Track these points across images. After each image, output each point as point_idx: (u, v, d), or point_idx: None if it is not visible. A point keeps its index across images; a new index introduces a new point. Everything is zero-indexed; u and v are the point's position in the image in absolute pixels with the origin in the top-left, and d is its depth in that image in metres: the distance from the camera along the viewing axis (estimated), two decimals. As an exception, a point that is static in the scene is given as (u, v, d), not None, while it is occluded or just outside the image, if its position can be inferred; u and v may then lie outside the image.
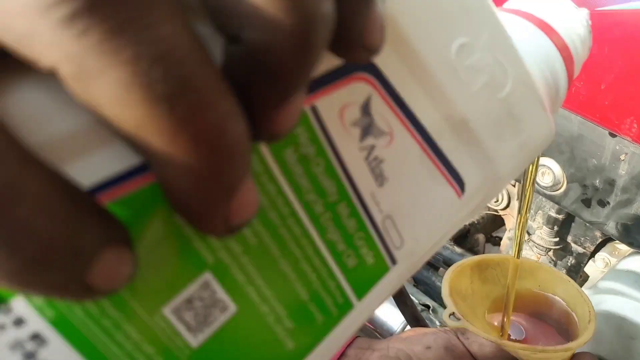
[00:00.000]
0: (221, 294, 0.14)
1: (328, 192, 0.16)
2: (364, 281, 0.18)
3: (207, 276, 0.13)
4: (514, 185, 0.68)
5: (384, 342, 0.46)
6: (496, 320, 0.43)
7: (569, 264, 0.62)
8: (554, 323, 0.42)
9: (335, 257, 0.17)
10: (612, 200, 0.48)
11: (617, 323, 0.49)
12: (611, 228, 0.49)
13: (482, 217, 0.76)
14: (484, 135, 0.19)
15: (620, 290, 0.50)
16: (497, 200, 0.70)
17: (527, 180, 0.35)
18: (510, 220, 0.69)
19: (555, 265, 0.63)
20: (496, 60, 0.19)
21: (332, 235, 0.16)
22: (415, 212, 0.18)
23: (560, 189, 0.52)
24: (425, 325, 0.59)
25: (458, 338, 0.44)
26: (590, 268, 0.57)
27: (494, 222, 0.76)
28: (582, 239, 0.59)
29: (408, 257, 0.19)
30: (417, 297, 0.72)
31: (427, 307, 0.72)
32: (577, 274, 0.61)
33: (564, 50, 0.23)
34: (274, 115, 0.11)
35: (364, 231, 0.17)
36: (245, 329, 0.14)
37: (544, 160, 0.52)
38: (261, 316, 0.15)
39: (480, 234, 0.75)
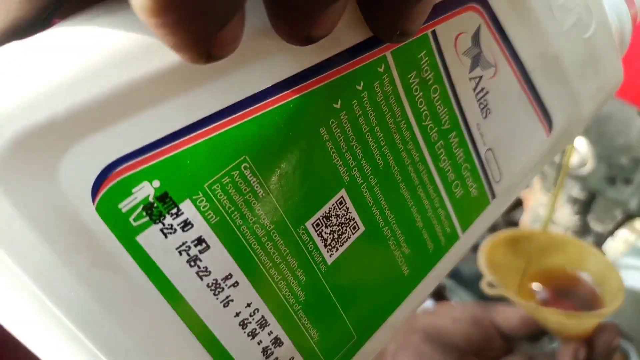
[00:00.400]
0: (353, 212, 0.15)
1: (442, 120, 0.17)
2: (469, 213, 0.18)
3: (343, 193, 0.14)
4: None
5: (412, 317, 0.47)
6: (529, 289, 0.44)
7: (589, 242, 0.63)
8: (579, 301, 0.44)
9: (446, 186, 0.17)
10: (637, 178, 0.49)
11: (636, 299, 0.51)
12: (634, 205, 0.50)
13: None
14: (571, 74, 0.20)
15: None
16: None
17: (562, 169, 0.37)
18: (530, 200, 0.71)
19: (575, 243, 0.64)
20: (583, 2, 0.20)
21: (444, 164, 0.17)
22: (511, 148, 0.19)
23: (586, 167, 0.53)
24: (446, 298, 0.61)
25: (484, 312, 0.46)
26: (609, 246, 0.58)
27: (513, 204, 0.77)
28: (602, 217, 0.60)
29: (504, 192, 0.19)
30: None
31: (444, 287, 0.74)
32: (597, 251, 0.63)
33: (629, 2, 0.24)
34: (409, 9, 0.12)
35: (470, 162, 0.18)
36: (371, 250, 0.16)
37: (569, 140, 0.53)
38: (384, 239, 0.16)
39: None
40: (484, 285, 0.38)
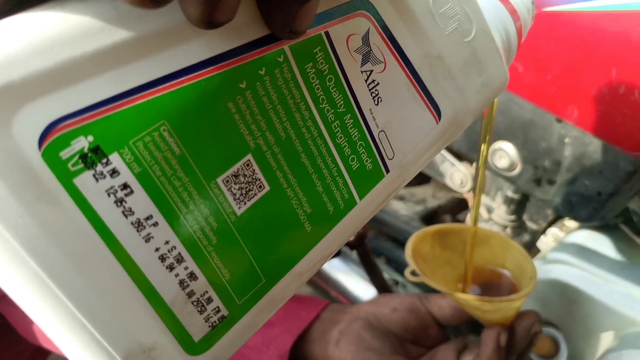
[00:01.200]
0: (259, 174, 0.18)
1: (337, 104, 0.20)
2: (365, 183, 0.22)
3: (249, 157, 0.18)
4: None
5: (356, 306, 0.50)
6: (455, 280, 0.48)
7: (524, 240, 0.68)
8: (504, 293, 0.48)
9: (343, 158, 0.21)
10: (559, 179, 0.54)
11: (561, 289, 0.56)
12: (558, 204, 0.55)
13: (449, 200, 0.82)
14: (455, 72, 0.24)
15: (566, 261, 0.56)
16: (462, 183, 0.76)
17: (480, 159, 0.41)
18: (472, 200, 0.76)
19: (511, 242, 0.69)
20: (464, 11, 0.24)
21: (340, 140, 0.21)
22: (402, 131, 0.23)
23: (515, 170, 0.58)
24: (392, 292, 0.65)
25: (421, 302, 0.49)
26: (541, 243, 0.64)
27: (459, 205, 0.82)
28: (536, 216, 0.66)
29: (398, 168, 0.23)
30: (387, 273, 0.78)
31: (396, 282, 0.78)
32: (531, 248, 0.68)
33: (514, 14, 0.28)
34: (297, 12, 0.16)
35: (364, 141, 0.22)
36: (276, 207, 0.19)
37: (500, 144, 0.58)
38: (287, 198, 0.19)
39: (447, 214, 0.81)
40: (406, 273, 0.42)
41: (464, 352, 0.46)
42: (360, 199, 0.22)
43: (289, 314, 0.50)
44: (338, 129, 0.21)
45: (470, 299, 0.41)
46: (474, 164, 0.67)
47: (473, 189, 0.42)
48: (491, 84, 0.26)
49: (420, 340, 0.49)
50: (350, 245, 0.58)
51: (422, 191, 0.83)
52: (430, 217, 0.79)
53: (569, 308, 0.56)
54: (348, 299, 0.79)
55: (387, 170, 0.23)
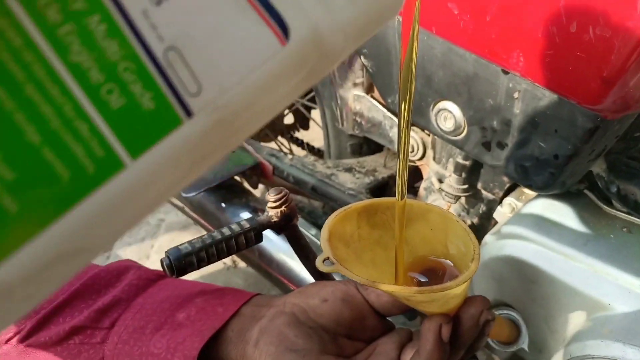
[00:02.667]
0: None
1: None
2: (141, 133, 0.14)
3: None
4: (429, 135, 0.66)
5: (282, 298, 0.43)
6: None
7: (480, 211, 0.60)
8: (447, 278, 0.40)
9: (87, 89, 0.13)
10: (510, 141, 0.46)
11: (518, 267, 0.48)
12: (511, 171, 0.47)
13: (402, 169, 0.74)
14: None
15: (522, 234, 0.49)
16: (413, 151, 0.67)
17: (402, 119, 0.32)
18: (427, 170, 0.68)
19: (467, 212, 0.62)
20: None
21: (77, 57, 0.13)
22: (216, 52, 0.15)
23: (462, 133, 0.50)
24: (330, 279, 0.57)
25: (357, 290, 0.42)
26: (498, 214, 0.56)
27: (414, 174, 0.74)
28: (491, 184, 0.58)
29: (212, 110, 0.15)
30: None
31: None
32: (489, 220, 0.60)
33: None
34: None
35: (133, 60, 0.14)
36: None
37: (444, 104, 0.50)
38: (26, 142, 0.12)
39: (400, 186, 0.73)
40: (318, 262, 0.34)
41: (408, 345, 0.39)
42: (134, 157, 0.14)
43: (204, 312, 0.44)
44: (72, 37, 0.12)
45: (394, 290, 0.34)
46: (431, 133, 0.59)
47: (399, 152, 0.33)
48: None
49: (356, 334, 0.42)
50: (276, 227, 0.50)
51: (372, 160, 0.75)
52: (381, 189, 0.71)
53: (527, 288, 0.48)
54: (294, 283, 0.72)
55: (189, 113, 0.15)
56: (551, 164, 0.44)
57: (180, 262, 0.45)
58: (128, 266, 0.49)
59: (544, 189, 0.46)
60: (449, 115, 0.50)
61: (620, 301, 0.42)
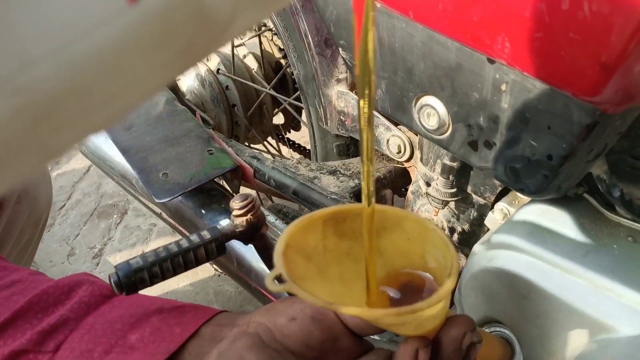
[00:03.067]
0: None
1: None
2: None
3: None
4: (417, 135, 0.61)
5: (248, 316, 0.39)
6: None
7: (471, 217, 0.55)
8: (425, 295, 0.35)
9: None
10: (498, 140, 0.41)
11: (509, 281, 0.43)
12: (500, 173, 0.42)
13: (390, 172, 0.69)
14: None
15: (514, 244, 0.43)
16: (400, 152, 0.62)
17: (360, 116, 0.27)
18: (415, 172, 0.62)
19: (457, 219, 0.56)
20: None
21: None
22: (15, 8, 0.11)
23: (446, 131, 0.45)
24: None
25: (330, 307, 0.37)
26: (489, 220, 0.51)
27: (403, 176, 0.69)
28: (482, 188, 0.53)
29: (10, 93, 0.11)
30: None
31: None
32: (481, 227, 0.55)
33: None
34: None
35: None
36: None
37: (427, 99, 0.45)
38: None
39: (388, 189, 0.68)
40: (267, 281, 0.29)
41: None
42: None
43: (159, 333, 0.39)
44: None
45: (355, 313, 0.29)
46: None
47: (364, 156, 0.28)
48: None
49: (328, 357, 0.37)
50: (242, 238, 0.45)
51: (358, 163, 0.70)
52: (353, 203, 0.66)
53: (519, 304, 0.43)
54: (274, 296, 0.67)
55: None
56: (544, 165, 0.38)
57: (130, 278, 0.40)
58: (80, 281, 0.45)
59: (537, 194, 0.41)
60: (432, 111, 0.45)
61: (624, 322, 0.37)
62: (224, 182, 0.82)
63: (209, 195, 0.76)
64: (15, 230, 0.64)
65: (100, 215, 1.62)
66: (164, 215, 0.80)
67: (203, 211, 0.74)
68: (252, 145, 1.10)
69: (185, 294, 1.34)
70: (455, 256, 0.31)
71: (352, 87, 0.65)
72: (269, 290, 0.30)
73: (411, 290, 0.36)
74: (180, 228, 0.78)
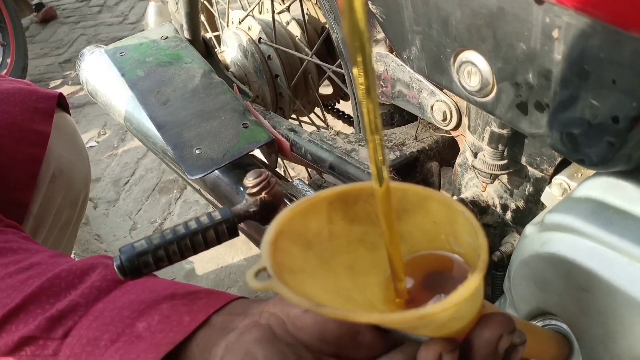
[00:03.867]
0: None
1: None
2: None
3: None
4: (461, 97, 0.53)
5: (262, 305, 0.36)
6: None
7: (527, 193, 0.48)
8: (452, 289, 0.29)
9: None
10: (552, 100, 0.34)
11: (566, 269, 0.36)
12: (557, 141, 0.35)
13: (436, 142, 0.62)
14: None
15: (572, 226, 0.36)
16: (445, 119, 0.55)
17: (357, 87, 0.22)
18: (463, 141, 0.55)
19: (511, 194, 0.49)
20: None
21: None
22: None
23: (491, 92, 0.38)
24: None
25: None
26: (546, 197, 0.43)
27: (452, 147, 0.62)
28: (538, 159, 0.45)
29: None
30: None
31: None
32: (537, 204, 0.48)
33: None
34: None
35: None
36: None
37: (467, 55, 0.38)
38: None
39: (434, 162, 0.62)
40: (249, 275, 0.24)
41: None
42: None
43: (167, 322, 0.38)
44: None
45: (352, 318, 0.24)
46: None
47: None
48: None
49: (347, 353, 0.33)
50: (256, 218, 0.42)
51: (401, 132, 0.63)
52: (410, 167, 0.60)
53: (578, 297, 0.36)
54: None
55: None
56: (609, 129, 0.31)
57: (133, 262, 0.38)
58: (95, 264, 0.43)
59: (601, 165, 0.34)
60: (473, 69, 0.38)
61: None
62: (263, 157, 0.78)
63: (246, 170, 0.72)
64: (52, 210, 0.64)
65: (161, 191, 1.66)
66: (202, 191, 0.78)
67: (240, 187, 0.71)
68: (300, 119, 1.06)
69: (239, 268, 1.34)
70: (485, 246, 0.25)
71: (391, 49, 0.59)
72: (251, 285, 0.25)
73: (438, 279, 0.31)
74: (218, 204, 0.76)
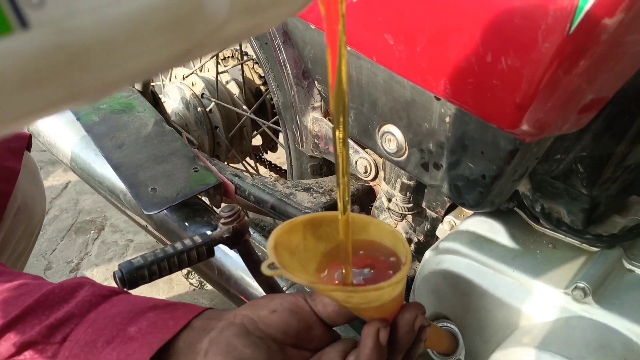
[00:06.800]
0: None
1: None
2: None
3: None
4: (380, 157, 0.69)
5: (233, 311, 0.45)
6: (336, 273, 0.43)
7: (425, 229, 0.64)
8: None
9: None
10: (444, 162, 0.50)
11: (453, 281, 0.51)
12: (447, 190, 0.51)
13: (357, 189, 0.77)
14: None
15: (457, 250, 0.52)
16: (366, 172, 0.71)
17: (336, 144, 0.35)
18: (379, 190, 0.71)
19: (414, 230, 0.65)
20: None
21: None
22: None
23: (404, 154, 0.53)
24: (280, 292, 0.59)
25: (306, 301, 0.44)
26: (440, 231, 0.59)
27: (369, 193, 0.77)
28: (434, 203, 0.61)
29: (57, 31, 0.14)
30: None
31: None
32: (433, 237, 0.64)
33: None
34: None
35: None
36: None
37: (388, 127, 0.53)
38: None
39: (356, 205, 0.76)
40: (263, 267, 0.36)
41: (351, 352, 0.42)
42: None
43: (155, 326, 0.45)
44: None
45: (330, 289, 0.36)
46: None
47: (338, 172, 0.36)
48: None
49: (303, 344, 0.44)
50: (228, 242, 0.53)
51: (330, 181, 0.78)
52: (336, 208, 0.74)
53: (462, 301, 0.51)
54: (250, 299, 0.73)
55: (24, 24, 0.14)
56: (480, 183, 0.47)
57: (132, 275, 0.47)
58: (82, 283, 0.49)
59: (475, 207, 0.50)
60: (392, 137, 0.54)
61: (540, 312, 0.45)
62: (206, 199, 0.88)
63: (193, 209, 0.83)
64: (12, 241, 0.69)
65: (78, 231, 1.66)
66: (150, 227, 0.86)
67: (187, 224, 0.81)
68: (231, 165, 1.18)
69: (161, 307, 1.38)
70: (409, 250, 0.39)
71: (326, 115, 0.74)
72: (265, 274, 0.37)
73: (376, 280, 0.44)
74: (165, 239, 0.85)
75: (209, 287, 1.40)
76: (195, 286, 1.42)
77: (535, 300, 0.46)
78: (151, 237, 1.57)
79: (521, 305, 0.47)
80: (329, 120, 0.73)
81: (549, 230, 0.51)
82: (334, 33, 0.31)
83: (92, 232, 1.66)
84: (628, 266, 0.48)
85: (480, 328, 0.50)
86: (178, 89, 1.06)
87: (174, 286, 1.44)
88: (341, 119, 0.34)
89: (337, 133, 0.35)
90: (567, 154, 0.49)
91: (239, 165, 1.15)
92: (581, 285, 0.44)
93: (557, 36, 0.34)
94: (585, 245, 0.50)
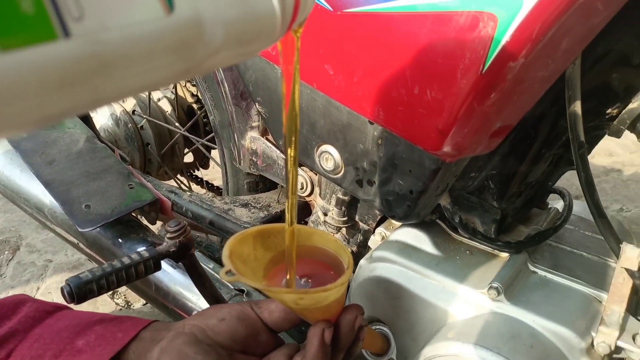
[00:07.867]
0: None
1: None
2: (14, 31, 0.15)
3: None
4: (316, 174, 0.74)
5: (181, 322, 0.47)
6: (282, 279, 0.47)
7: (358, 240, 0.69)
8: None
9: None
10: (377, 179, 0.55)
11: (385, 286, 0.57)
12: (378, 204, 0.57)
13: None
14: None
15: (388, 258, 0.57)
16: (303, 188, 0.75)
17: (288, 162, 0.39)
18: (314, 205, 0.76)
19: (348, 242, 0.70)
20: None
21: None
22: None
23: (340, 172, 0.59)
24: (225, 303, 0.62)
25: (252, 309, 0.47)
26: (372, 242, 0.65)
27: (305, 208, 0.82)
28: (366, 217, 0.67)
29: (92, 41, 0.16)
30: (232, 284, 0.75)
31: (242, 291, 0.75)
32: (365, 248, 0.69)
33: None
34: None
35: None
36: None
37: (326, 147, 0.58)
38: None
39: (291, 220, 0.80)
40: (221, 273, 0.40)
41: (296, 355, 0.45)
42: (2, 49, 0.15)
43: (103, 338, 0.46)
44: None
45: (284, 292, 0.40)
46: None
47: (288, 191, 0.40)
48: (252, 5, 0.23)
49: (250, 349, 0.46)
50: (174, 256, 0.55)
51: (267, 197, 0.82)
52: (274, 222, 0.78)
53: (393, 304, 0.57)
54: (189, 314, 0.75)
55: (67, 34, 0.16)
56: (408, 198, 0.53)
57: (81, 289, 0.48)
58: (23, 300, 0.49)
59: (404, 219, 0.56)
60: (329, 157, 0.59)
61: (462, 310, 0.52)
62: (141, 216, 0.89)
63: (127, 226, 0.83)
64: None
65: (-11, 252, 1.56)
66: (81, 245, 0.85)
67: (120, 240, 0.81)
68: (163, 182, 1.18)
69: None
70: (350, 256, 0.44)
71: (263, 134, 0.78)
72: (223, 279, 0.40)
73: (321, 284, 0.49)
74: (98, 257, 0.84)
75: (136, 306, 1.37)
76: (122, 306, 1.39)
77: (457, 300, 0.53)
78: (73, 257, 1.51)
79: (445, 305, 0.53)
80: (267, 139, 0.77)
81: (466, 239, 0.58)
82: (290, 65, 0.36)
83: (6, 252, 1.57)
84: (532, 268, 0.56)
85: (410, 327, 0.56)
86: (107, 105, 1.06)
87: (98, 307, 1.39)
88: (293, 139, 0.39)
89: (289, 151, 0.39)
90: (480, 172, 0.57)
91: (171, 182, 1.16)
92: (495, 285, 0.51)
93: (473, 74, 0.41)
94: (497, 251, 0.58)
